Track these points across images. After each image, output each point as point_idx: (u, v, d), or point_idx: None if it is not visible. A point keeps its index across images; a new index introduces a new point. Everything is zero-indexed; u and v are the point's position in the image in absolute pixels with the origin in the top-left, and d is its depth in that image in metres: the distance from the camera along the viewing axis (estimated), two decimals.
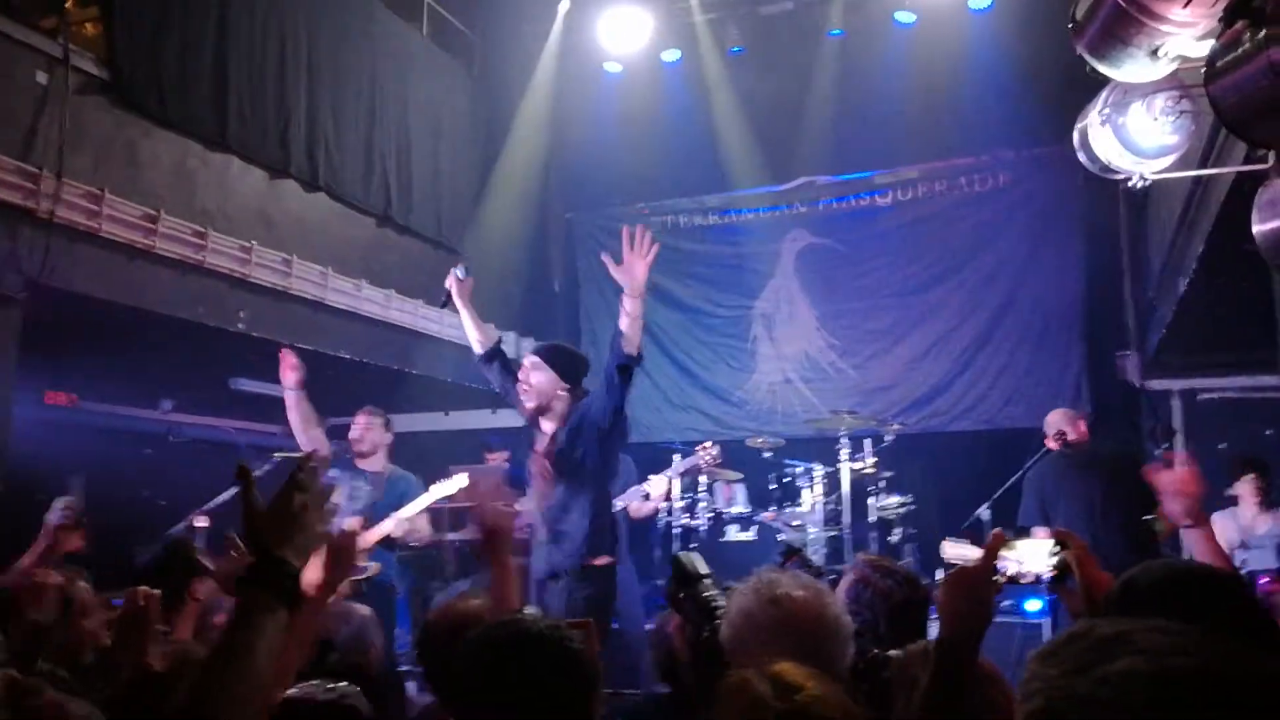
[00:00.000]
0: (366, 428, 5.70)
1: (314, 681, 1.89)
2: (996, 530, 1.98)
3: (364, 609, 3.05)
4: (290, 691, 1.84)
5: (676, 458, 6.79)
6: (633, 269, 4.12)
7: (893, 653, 2.49)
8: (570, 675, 1.67)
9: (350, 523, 5.39)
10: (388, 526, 5.34)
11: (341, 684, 1.89)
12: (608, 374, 4.26)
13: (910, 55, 7.84)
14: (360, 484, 5.54)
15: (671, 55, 8.49)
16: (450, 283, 4.78)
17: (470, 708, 1.70)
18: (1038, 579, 2.00)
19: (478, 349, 4.76)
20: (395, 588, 5.80)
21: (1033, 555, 1.99)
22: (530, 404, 4.38)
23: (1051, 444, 5.63)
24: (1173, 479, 2.63)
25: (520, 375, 4.45)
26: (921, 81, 7.77)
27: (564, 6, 8.56)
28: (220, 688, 1.30)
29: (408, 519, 5.42)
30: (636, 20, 8.15)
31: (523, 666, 1.66)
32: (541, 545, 4.44)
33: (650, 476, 6.59)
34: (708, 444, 6.78)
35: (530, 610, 2.05)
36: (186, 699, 1.30)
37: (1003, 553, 1.92)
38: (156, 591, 2.27)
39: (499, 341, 4.85)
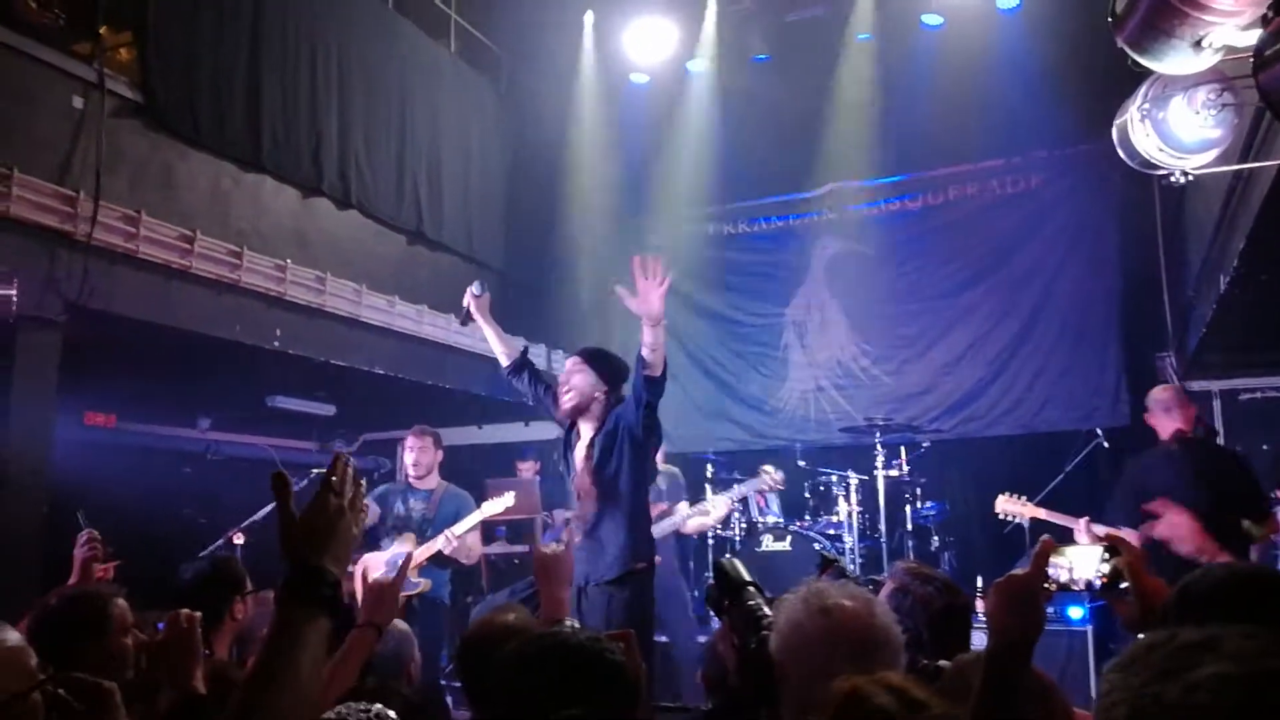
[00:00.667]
0: (420, 450, 5.86)
1: (347, 704, 1.87)
2: (1046, 537, 1.95)
3: (402, 625, 3.04)
4: (325, 716, 1.82)
5: (738, 486, 6.69)
6: (648, 298, 4.06)
7: (942, 663, 2.46)
8: (610, 687, 1.64)
9: (404, 540, 5.48)
10: (439, 544, 5.45)
11: (376, 705, 1.87)
12: (635, 394, 4.27)
13: (938, 58, 7.78)
14: (415, 501, 5.73)
15: (697, 65, 8.49)
16: (468, 299, 4.88)
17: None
18: (1089, 586, 1.97)
19: (504, 361, 4.86)
20: (447, 604, 5.85)
21: (1083, 561, 1.95)
22: (570, 404, 4.41)
23: (1177, 429, 4.74)
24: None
25: (562, 376, 4.51)
26: (950, 84, 7.71)
27: (589, 19, 8.59)
28: (265, 703, 1.29)
29: (459, 536, 5.51)
30: (661, 31, 8.16)
31: (562, 678, 1.63)
32: (580, 552, 4.44)
33: (712, 496, 6.54)
34: (769, 467, 6.66)
35: (570, 622, 2.04)
36: (232, 716, 1.29)
37: (1052, 559, 1.89)
38: (198, 614, 2.27)
39: (525, 351, 4.95)
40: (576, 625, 2.06)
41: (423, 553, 5.40)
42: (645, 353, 4.09)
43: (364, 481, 1.57)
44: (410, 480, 5.85)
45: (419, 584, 5.37)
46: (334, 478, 1.49)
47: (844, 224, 8.55)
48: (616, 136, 8.96)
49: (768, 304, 8.73)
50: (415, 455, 5.83)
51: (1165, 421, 4.78)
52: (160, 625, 2.31)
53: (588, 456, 4.42)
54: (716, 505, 6.52)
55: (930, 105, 7.85)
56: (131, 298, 5.43)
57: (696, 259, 8.86)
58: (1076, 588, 1.97)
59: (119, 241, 5.31)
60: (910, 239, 8.30)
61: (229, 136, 6.00)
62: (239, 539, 5.88)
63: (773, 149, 8.64)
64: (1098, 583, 1.96)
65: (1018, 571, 1.83)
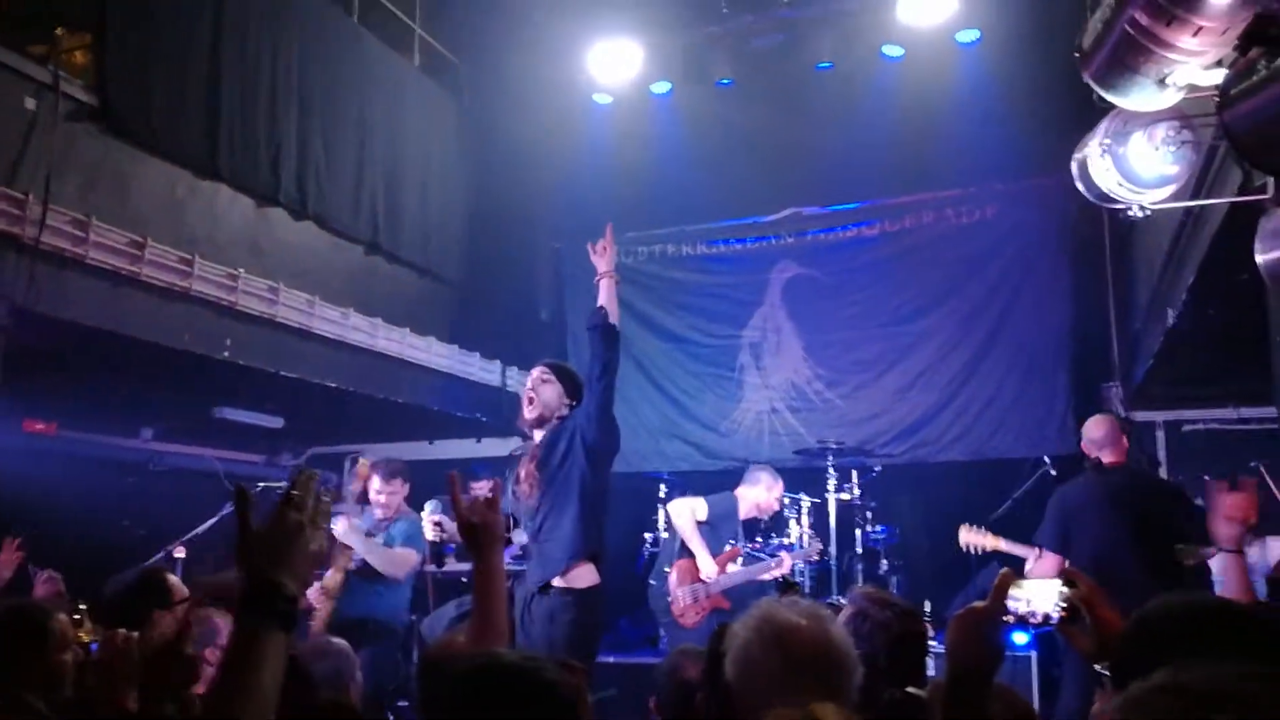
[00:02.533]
0: (390, 494, 5.60)
1: None
2: (1006, 570, 1.96)
3: (341, 644, 2.99)
4: None
5: (785, 556, 6.48)
6: (603, 259, 4.38)
7: (913, 690, 2.46)
8: (544, 709, 1.59)
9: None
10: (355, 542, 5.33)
11: None
12: (590, 368, 4.26)
13: (898, 88, 7.90)
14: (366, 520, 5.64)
15: (661, 87, 8.52)
16: (432, 532, 4.43)
17: None
18: (1046, 619, 1.98)
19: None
20: (399, 629, 5.69)
21: (1041, 595, 1.97)
22: (533, 414, 4.35)
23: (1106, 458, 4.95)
24: (1236, 502, 2.62)
25: (529, 384, 4.43)
26: (909, 114, 7.84)
27: (554, 38, 8.60)
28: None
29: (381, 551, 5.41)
30: (626, 52, 8.18)
31: (494, 701, 1.58)
32: (529, 562, 4.36)
33: (781, 554, 6.49)
34: (817, 541, 6.85)
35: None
36: None
37: (1011, 592, 1.90)
38: (135, 634, 2.21)
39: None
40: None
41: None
42: (602, 299, 4.29)
43: (328, 498, 1.54)
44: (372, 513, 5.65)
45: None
46: (295, 492, 1.46)
47: (802, 248, 8.61)
48: (578, 155, 8.96)
49: (724, 325, 8.75)
50: (385, 499, 5.54)
51: (1095, 454, 4.99)
52: (94, 647, 2.25)
53: (531, 459, 4.35)
54: (783, 564, 6.39)
55: (889, 134, 7.95)
56: (79, 303, 5.31)
57: (655, 279, 8.88)
58: (1034, 621, 1.99)
59: (67, 246, 5.19)
60: (867, 265, 8.37)
61: (185, 143, 5.90)
62: (180, 552, 5.74)
63: (733, 172, 8.70)
64: (1055, 615, 1.97)
65: (978, 604, 1.84)
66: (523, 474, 4.36)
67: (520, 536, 4.55)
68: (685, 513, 6.21)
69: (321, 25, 7.07)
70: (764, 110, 8.44)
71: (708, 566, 6.08)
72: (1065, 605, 1.97)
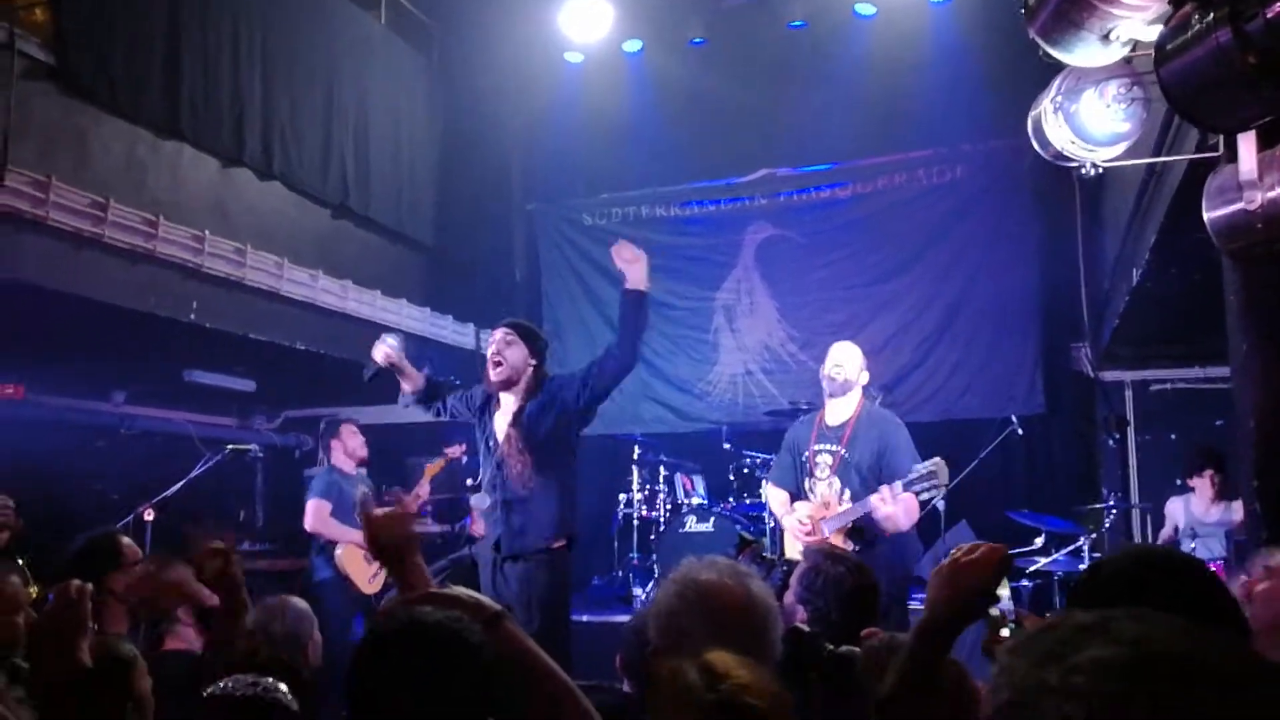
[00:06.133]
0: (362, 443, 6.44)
1: (235, 676, 1.83)
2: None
3: (300, 604, 3.01)
4: (212, 687, 1.78)
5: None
6: (632, 272, 4.42)
7: (845, 648, 2.51)
8: (462, 670, 1.57)
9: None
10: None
11: (266, 679, 1.82)
12: (604, 360, 4.34)
13: (871, 48, 7.87)
14: (363, 486, 6.31)
15: (633, 45, 8.46)
16: (381, 354, 4.69)
17: (357, 704, 1.60)
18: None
19: (408, 396, 4.82)
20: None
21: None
22: (501, 376, 4.39)
23: None
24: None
25: (494, 346, 4.46)
26: (882, 74, 7.81)
27: None
28: None
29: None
30: (597, 10, 8.09)
31: (410, 661, 1.56)
32: (500, 525, 4.40)
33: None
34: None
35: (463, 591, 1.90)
36: None
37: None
38: (89, 586, 2.20)
39: (427, 378, 4.81)
40: (464, 590, 1.90)
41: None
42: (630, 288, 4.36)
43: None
44: (343, 470, 6.22)
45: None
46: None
47: (775, 210, 8.59)
48: (550, 114, 8.90)
49: (698, 287, 8.74)
50: (361, 441, 6.36)
51: None
52: (50, 597, 2.24)
53: (514, 425, 4.39)
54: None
55: (862, 94, 7.93)
56: (40, 266, 5.26)
57: (628, 241, 8.83)
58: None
59: (26, 208, 5.13)
60: (839, 227, 8.37)
61: (146, 103, 5.82)
62: (150, 515, 5.75)
63: (706, 133, 8.67)
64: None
65: (976, 559, 1.83)
66: (507, 451, 4.39)
67: (484, 500, 4.57)
68: None
69: None
70: (737, 70, 8.39)
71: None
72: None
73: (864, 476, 4.78)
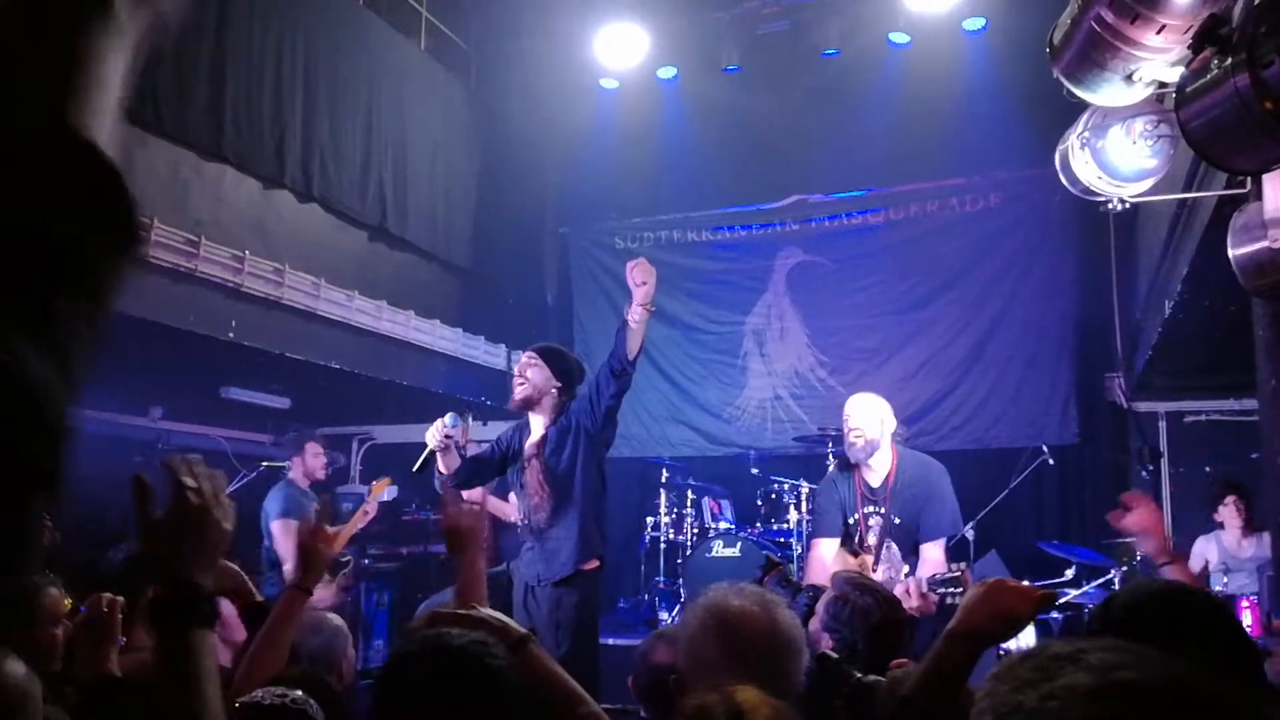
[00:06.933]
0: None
1: (266, 688, 1.87)
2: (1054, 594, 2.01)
3: (335, 620, 3.05)
4: (242, 699, 1.82)
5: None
6: (641, 290, 4.37)
7: (872, 677, 2.51)
8: (485, 694, 1.58)
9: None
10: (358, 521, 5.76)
11: (295, 691, 1.86)
12: (596, 390, 4.33)
13: (904, 76, 7.90)
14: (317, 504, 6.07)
15: (667, 72, 8.54)
16: (437, 437, 4.42)
17: None
18: None
19: (445, 478, 4.53)
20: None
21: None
22: (521, 395, 4.46)
23: None
24: (1136, 520, 2.66)
25: (517, 368, 4.56)
26: (915, 102, 7.83)
27: (560, 22, 8.62)
28: None
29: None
30: (633, 37, 8.19)
31: (436, 683, 1.57)
32: (530, 552, 4.48)
33: None
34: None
35: (490, 613, 1.98)
36: None
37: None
38: (119, 599, 2.27)
39: (467, 458, 4.69)
40: (491, 612, 1.98)
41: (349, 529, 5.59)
42: (631, 321, 4.25)
43: (220, 474, 1.45)
44: (300, 486, 6.32)
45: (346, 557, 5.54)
46: (184, 478, 1.37)
47: (806, 236, 8.63)
48: (584, 139, 9.00)
49: (728, 312, 8.79)
50: (323, 463, 6.45)
51: None
52: (82, 609, 2.32)
53: (538, 453, 4.45)
54: None
55: (895, 122, 7.95)
56: None
57: (659, 264, 8.83)
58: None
59: None
60: (871, 253, 8.38)
61: (190, 125, 5.95)
62: None
63: (739, 159, 8.73)
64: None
65: (1027, 585, 1.88)
66: (529, 479, 4.45)
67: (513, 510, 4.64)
68: None
69: (327, 8, 7.11)
70: (770, 97, 8.44)
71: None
72: None
73: (907, 536, 4.66)
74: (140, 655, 2.52)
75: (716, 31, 8.34)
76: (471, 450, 4.80)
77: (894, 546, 4.71)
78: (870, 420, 4.73)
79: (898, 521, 4.65)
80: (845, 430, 4.80)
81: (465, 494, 6.09)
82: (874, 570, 4.60)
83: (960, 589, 4.34)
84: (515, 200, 8.94)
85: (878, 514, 4.75)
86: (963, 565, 4.31)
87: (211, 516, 1.37)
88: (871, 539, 4.75)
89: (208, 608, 1.33)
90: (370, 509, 6.07)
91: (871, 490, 4.78)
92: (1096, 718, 0.78)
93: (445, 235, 8.29)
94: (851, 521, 4.84)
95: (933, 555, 4.50)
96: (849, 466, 4.90)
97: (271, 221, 6.60)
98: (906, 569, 4.61)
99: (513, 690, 1.61)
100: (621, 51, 8.27)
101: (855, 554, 4.85)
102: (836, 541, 4.86)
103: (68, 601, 2.75)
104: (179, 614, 1.31)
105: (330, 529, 2.52)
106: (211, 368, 6.90)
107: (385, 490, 5.98)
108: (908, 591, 4.28)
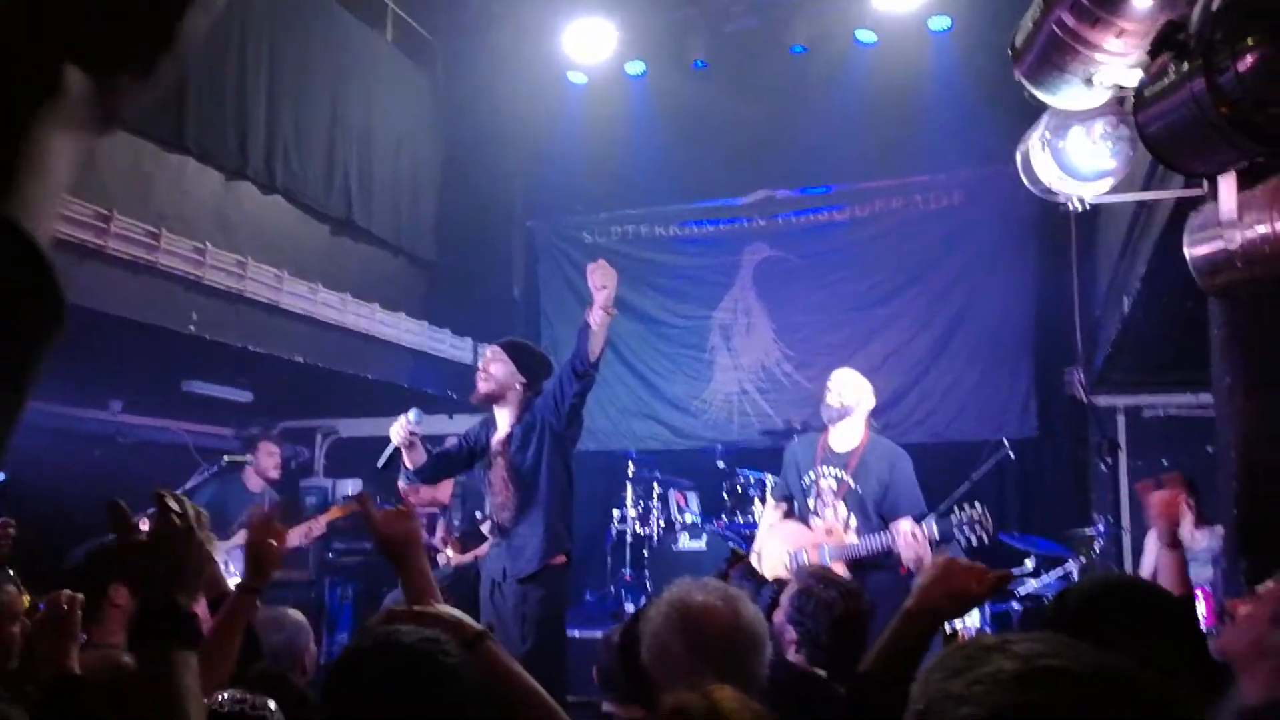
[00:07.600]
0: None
1: (227, 691, 1.85)
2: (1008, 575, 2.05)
3: (296, 615, 3.03)
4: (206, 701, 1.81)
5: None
6: (600, 294, 4.27)
7: (816, 670, 2.54)
8: (436, 692, 1.55)
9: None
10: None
11: (256, 697, 1.84)
12: (559, 389, 4.33)
13: (871, 73, 7.95)
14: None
15: (635, 67, 8.53)
16: (400, 434, 4.51)
17: None
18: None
19: (410, 473, 4.62)
20: None
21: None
22: (484, 389, 4.45)
23: None
24: (1161, 499, 2.72)
25: (481, 363, 4.56)
26: (881, 99, 7.89)
27: (528, 16, 8.59)
28: None
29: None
30: (601, 31, 8.18)
31: (382, 682, 1.54)
32: (496, 548, 4.48)
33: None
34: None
35: (446, 610, 1.94)
36: None
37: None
38: (79, 595, 2.25)
39: (432, 453, 4.73)
40: (447, 609, 1.94)
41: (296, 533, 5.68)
42: (592, 323, 4.22)
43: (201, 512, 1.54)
44: (250, 489, 6.49)
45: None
46: (169, 502, 1.44)
47: (773, 231, 8.67)
48: (552, 133, 8.97)
49: (695, 306, 8.81)
50: (276, 462, 6.76)
51: None
52: (41, 606, 2.29)
53: (504, 450, 4.45)
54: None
55: (862, 119, 8.00)
56: None
57: (627, 259, 8.91)
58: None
59: None
60: (837, 249, 8.44)
61: (151, 116, 5.86)
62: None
63: (707, 154, 8.74)
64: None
65: (980, 565, 1.92)
66: (495, 477, 4.46)
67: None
68: None
69: None
70: (738, 93, 8.47)
71: None
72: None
73: (871, 509, 4.79)
74: (101, 653, 2.50)
75: (685, 27, 8.34)
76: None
77: (841, 506, 4.86)
78: (849, 388, 4.97)
79: (856, 488, 4.80)
80: (825, 392, 5.02)
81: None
82: (845, 533, 4.74)
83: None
84: (482, 193, 8.91)
85: (835, 476, 4.89)
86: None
87: (195, 539, 1.42)
88: (826, 498, 4.91)
89: (190, 628, 1.35)
90: (317, 528, 6.18)
91: (834, 453, 4.95)
92: (1018, 702, 0.84)
93: (411, 228, 8.25)
94: (807, 481, 4.98)
95: (906, 528, 4.61)
96: (815, 433, 5.15)
97: (234, 213, 6.53)
98: (853, 532, 4.78)
99: (466, 688, 1.59)
100: (590, 46, 8.26)
101: (789, 514, 5.03)
102: (784, 506, 5.16)
103: (26, 598, 2.71)
104: (161, 634, 1.33)
105: (278, 526, 2.49)
106: (173, 361, 6.82)
107: (341, 517, 6.04)
108: (914, 536, 4.42)
